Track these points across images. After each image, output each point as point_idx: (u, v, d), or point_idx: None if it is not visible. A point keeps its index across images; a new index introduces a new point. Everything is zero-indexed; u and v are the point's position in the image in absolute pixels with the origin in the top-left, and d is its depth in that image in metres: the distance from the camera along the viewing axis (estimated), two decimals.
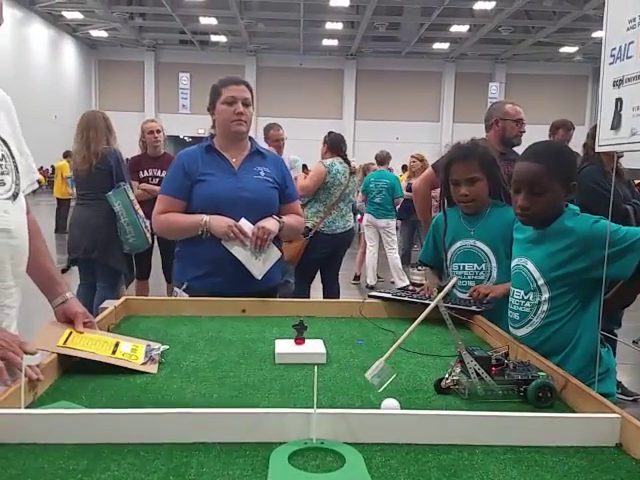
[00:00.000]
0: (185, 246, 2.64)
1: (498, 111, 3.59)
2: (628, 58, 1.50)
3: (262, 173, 2.64)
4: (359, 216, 9.54)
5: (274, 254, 2.56)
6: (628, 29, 1.50)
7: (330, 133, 5.74)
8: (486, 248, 2.42)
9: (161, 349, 1.79)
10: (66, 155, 14.30)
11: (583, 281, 1.93)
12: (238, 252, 2.46)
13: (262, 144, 6.29)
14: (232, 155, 2.65)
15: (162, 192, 2.68)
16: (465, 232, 2.47)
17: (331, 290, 5.75)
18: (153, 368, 1.69)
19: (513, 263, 2.14)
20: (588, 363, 1.89)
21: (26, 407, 1.34)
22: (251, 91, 2.67)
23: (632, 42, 1.49)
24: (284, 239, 2.74)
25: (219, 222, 2.47)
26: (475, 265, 2.44)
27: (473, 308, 2.24)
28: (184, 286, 2.58)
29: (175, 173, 2.64)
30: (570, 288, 1.95)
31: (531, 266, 2.03)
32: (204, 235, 2.50)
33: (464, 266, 2.47)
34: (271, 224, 2.54)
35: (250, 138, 2.73)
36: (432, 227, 2.65)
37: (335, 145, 5.62)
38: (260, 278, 2.49)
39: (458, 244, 2.49)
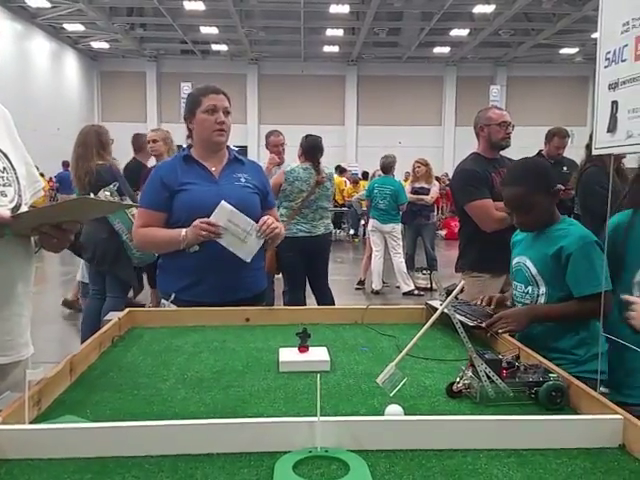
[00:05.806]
0: (167, 258, 2.64)
1: (482, 118, 3.64)
2: (622, 61, 1.51)
3: (242, 179, 2.63)
4: (363, 222, 9.52)
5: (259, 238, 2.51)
6: (622, 32, 1.50)
7: (307, 137, 5.38)
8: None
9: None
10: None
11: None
12: (223, 240, 2.43)
13: (264, 151, 6.29)
14: (211, 164, 2.63)
15: (141, 206, 2.65)
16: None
17: (323, 298, 5.52)
18: None
19: (514, 261, 2.35)
20: (581, 343, 2.12)
21: (30, 422, 1.34)
22: (229, 101, 2.65)
23: (626, 45, 1.49)
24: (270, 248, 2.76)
25: (191, 229, 2.44)
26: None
27: (475, 324, 2.06)
28: (172, 297, 2.56)
29: (153, 186, 2.61)
30: (561, 287, 2.14)
31: (529, 263, 2.25)
32: (187, 250, 2.48)
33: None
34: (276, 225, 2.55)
35: (227, 147, 2.71)
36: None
37: (308, 150, 5.28)
38: (249, 260, 2.47)
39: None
